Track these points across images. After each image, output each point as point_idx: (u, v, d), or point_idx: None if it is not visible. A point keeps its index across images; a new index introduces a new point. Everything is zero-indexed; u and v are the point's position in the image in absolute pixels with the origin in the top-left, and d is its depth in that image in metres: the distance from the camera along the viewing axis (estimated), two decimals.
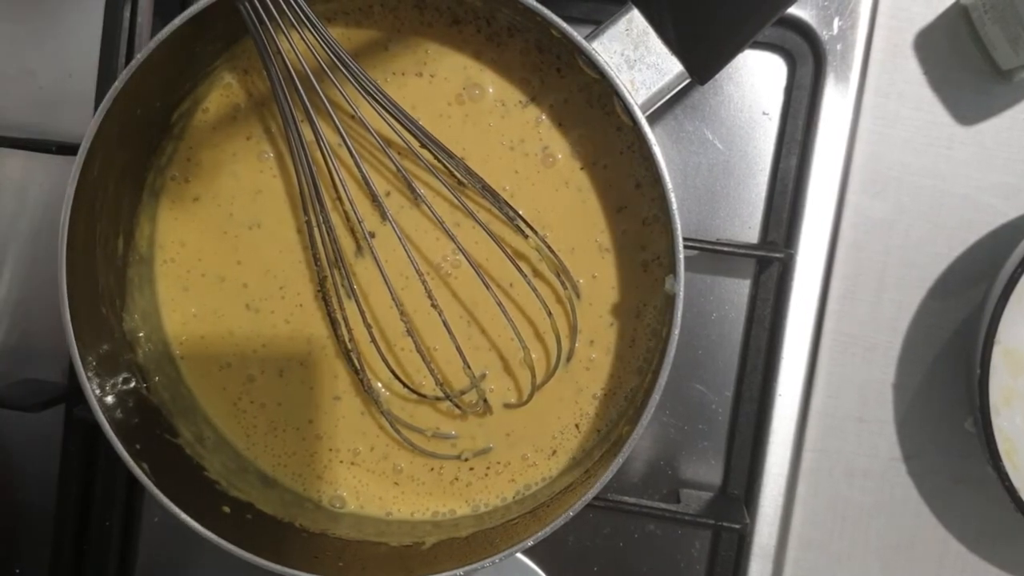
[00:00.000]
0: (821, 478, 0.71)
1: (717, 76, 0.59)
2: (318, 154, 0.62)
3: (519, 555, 0.71)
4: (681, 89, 0.59)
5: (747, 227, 0.70)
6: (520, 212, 0.63)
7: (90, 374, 0.59)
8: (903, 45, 0.68)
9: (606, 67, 0.57)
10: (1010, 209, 0.69)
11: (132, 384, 0.64)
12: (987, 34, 0.66)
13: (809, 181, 0.68)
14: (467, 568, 0.59)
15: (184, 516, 0.59)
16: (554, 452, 0.67)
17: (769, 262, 0.69)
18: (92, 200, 0.59)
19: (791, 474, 0.70)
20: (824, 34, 0.68)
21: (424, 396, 0.66)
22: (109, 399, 0.60)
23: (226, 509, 0.64)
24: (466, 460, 0.67)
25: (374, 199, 0.64)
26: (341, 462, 0.68)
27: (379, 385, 0.67)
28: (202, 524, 0.59)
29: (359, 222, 0.64)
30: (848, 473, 0.71)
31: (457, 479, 0.68)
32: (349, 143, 0.60)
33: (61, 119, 0.74)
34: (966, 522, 0.71)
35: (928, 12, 0.68)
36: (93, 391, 0.59)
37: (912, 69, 0.69)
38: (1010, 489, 0.62)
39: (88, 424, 0.70)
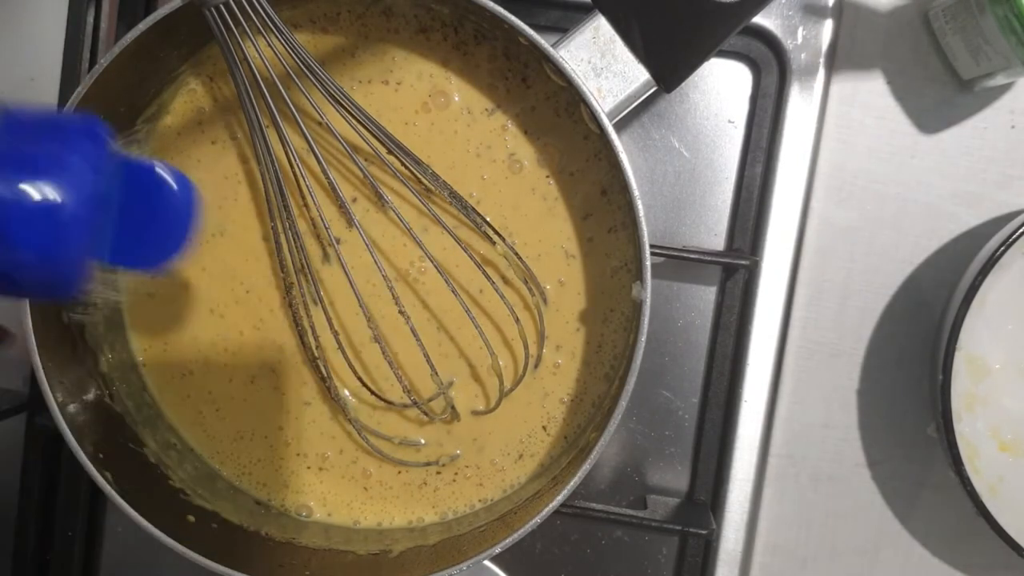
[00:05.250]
0: (787, 484, 0.72)
1: (683, 84, 0.59)
2: (284, 160, 0.62)
3: (487, 562, 0.71)
4: (648, 97, 0.59)
5: (713, 234, 0.71)
6: (487, 219, 0.63)
7: (52, 382, 0.58)
8: (866, 55, 0.69)
9: (573, 75, 0.57)
10: (972, 217, 0.70)
11: (95, 392, 0.64)
12: (948, 44, 0.67)
13: (774, 189, 0.68)
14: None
15: (148, 526, 0.58)
16: (520, 456, 0.67)
17: (735, 269, 0.69)
18: None
19: (757, 480, 0.71)
20: (789, 43, 0.68)
21: (391, 403, 0.66)
22: (71, 408, 0.60)
23: (191, 518, 0.63)
24: (435, 466, 0.67)
25: (341, 205, 0.64)
26: (309, 468, 0.68)
27: (346, 392, 0.67)
28: (167, 534, 0.58)
29: (326, 228, 0.64)
30: (813, 478, 0.72)
31: (425, 484, 0.68)
32: (316, 149, 0.60)
33: None
34: (929, 526, 0.72)
35: (891, 23, 0.69)
36: (55, 399, 0.58)
37: (875, 79, 0.69)
38: (972, 493, 0.62)
39: (50, 433, 0.69)
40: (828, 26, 0.68)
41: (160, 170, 0.47)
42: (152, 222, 0.46)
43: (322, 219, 0.63)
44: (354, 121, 0.59)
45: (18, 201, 0.38)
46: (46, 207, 0.39)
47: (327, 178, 0.62)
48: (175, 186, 0.47)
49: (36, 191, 0.39)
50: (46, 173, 0.39)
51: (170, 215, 0.46)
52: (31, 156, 0.39)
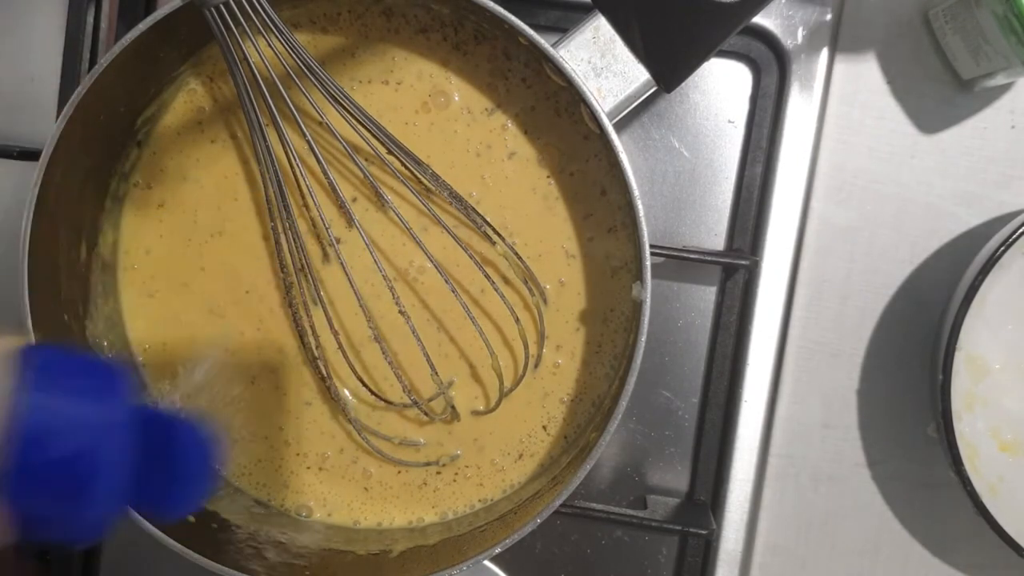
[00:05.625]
0: (787, 484, 0.72)
1: (683, 84, 0.59)
2: (284, 160, 0.62)
3: (487, 562, 0.71)
4: (648, 97, 0.59)
5: (713, 234, 0.71)
6: (487, 219, 0.63)
7: None
8: (866, 55, 0.69)
9: (573, 75, 0.57)
10: (971, 217, 0.70)
11: None
12: (948, 44, 0.67)
13: (774, 189, 0.68)
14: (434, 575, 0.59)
15: (149, 526, 0.58)
16: (520, 456, 0.67)
17: (735, 269, 0.69)
18: (54, 206, 0.59)
19: (757, 480, 0.71)
20: (788, 43, 0.68)
21: (391, 403, 0.66)
22: None
23: (191, 518, 0.63)
24: (435, 467, 0.67)
25: (341, 205, 0.64)
26: (308, 468, 0.68)
27: (346, 392, 0.67)
28: (166, 534, 0.58)
29: (326, 228, 0.64)
30: (813, 479, 0.72)
31: (426, 484, 0.68)
32: (316, 149, 0.60)
33: (23, 124, 0.73)
34: (930, 526, 0.72)
35: (891, 22, 0.69)
36: None
37: (875, 79, 0.69)
38: (972, 494, 0.62)
39: None
40: (828, 26, 0.68)
41: (182, 419, 0.48)
42: (173, 471, 0.46)
43: (322, 219, 0.63)
44: (354, 121, 0.59)
45: (49, 453, 0.39)
46: (75, 458, 0.39)
47: (327, 178, 0.62)
48: (197, 435, 0.47)
49: (67, 443, 0.39)
50: (75, 424, 0.39)
51: (191, 464, 0.47)
52: (61, 405, 0.40)
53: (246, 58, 0.56)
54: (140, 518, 0.58)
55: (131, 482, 0.41)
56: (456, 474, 0.67)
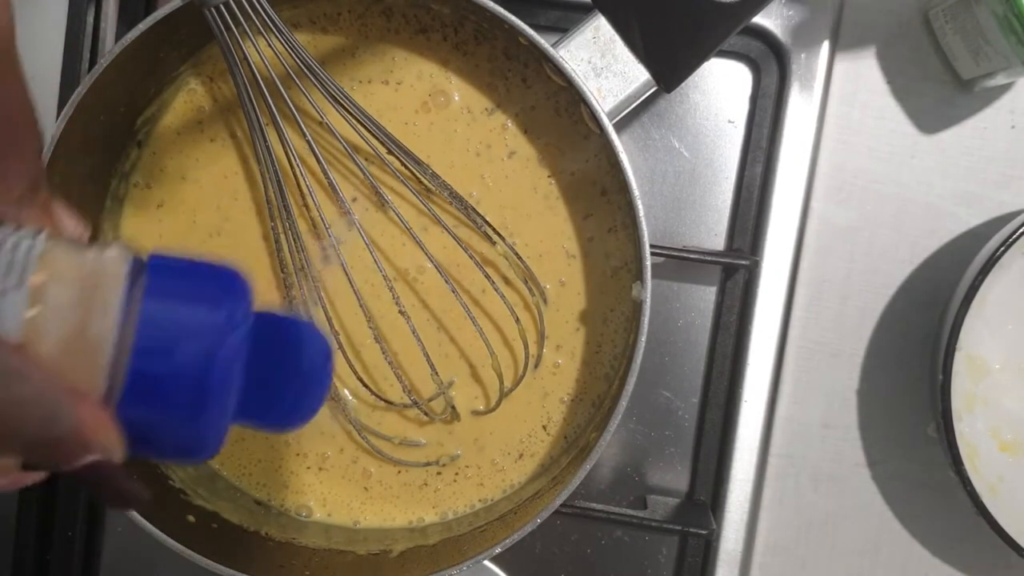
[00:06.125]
0: (787, 484, 0.72)
1: (683, 84, 0.59)
2: (284, 160, 0.62)
3: (487, 562, 0.71)
4: (648, 97, 0.59)
5: (713, 234, 0.71)
6: (487, 219, 0.63)
7: None
8: (866, 55, 0.69)
9: (573, 75, 0.57)
10: (971, 217, 0.69)
11: None
12: (948, 44, 0.67)
13: (774, 189, 0.68)
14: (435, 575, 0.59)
15: (148, 526, 0.58)
16: (521, 456, 0.67)
17: (735, 269, 0.69)
18: None
19: (757, 480, 0.71)
20: (788, 43, 0.68)
21: (391, 403, 0.66)
22: None
23: (191, 518, 0.63)
24: (435, 467, 0.67)
25: (341, 205, 0.64)
26: (308, 468, 0.68)
27: (346, 392, 0.67)
28: (167, 534, 0.58)
29: (326, 228, 0.64)
30: (813, 479, 0.72)
31: (426, 484, 0.68)
32: (316, 149, 0.60)
33: None
34: (930, 526, 0.72)
35: (891, 22, 0.69)
36: None
37: (875, 78, 0.69)
38: (972, 494, 0.62)
39: None
40: (828, 26, 0.68)
41: (297, 327, 0.44)
42: (286, 380, 0.43)
43: (322, 219, 0.63)
44: (354, 121, 0.59)
45: (165, 365, 0.37)
46: (191, 370, 0.37)
47: (327, 178, 0.62)
48: (310, 343, 0.44)
49: (183, 355, 0.37)
50: (192, 335, 0.37)
51: (304, 373, 0.44)
52: (176, 316, 0.38)
53: (246, 58, 0.57)
54: (140, 518, 0.58)
55: (248, 392, 0.40)
56: (456, 474, 0.67)
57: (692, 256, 0.67)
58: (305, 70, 0.57)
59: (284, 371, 0.42)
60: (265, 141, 0.60)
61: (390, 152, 0.61)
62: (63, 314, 0.35)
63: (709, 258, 0.68)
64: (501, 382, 0.65)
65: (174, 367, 0.37)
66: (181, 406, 0.37)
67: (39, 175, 0.40)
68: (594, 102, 0.57)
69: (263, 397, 0.41)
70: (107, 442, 0.36)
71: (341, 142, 0.60)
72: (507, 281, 0.65)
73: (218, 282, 0.40)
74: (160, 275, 0.38)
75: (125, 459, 0.37)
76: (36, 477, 0.39)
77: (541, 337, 0.65)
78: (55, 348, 0.34)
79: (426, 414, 0.66)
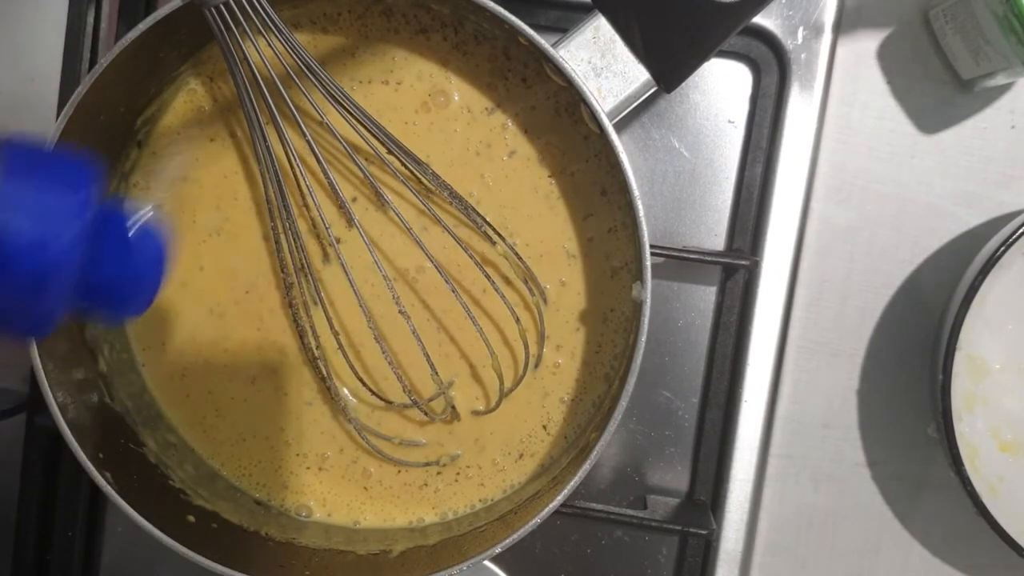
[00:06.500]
0: (787, 484, 0.72)
1: (683, 84, 0.59)
2: (284, 160, 0.62)
3: (487, 562, 0.71)
4: (648, 97, 0.59)
5: (713, 234, 0.71)
6: (487, 219, 0.63)
7: (52, 382, 0.58)
8: (866, 55, 0.69)
9: (573, 75, 0.57)
10: (971, 217, 0.70)
11: (95, 392, 0.64)
12: (948, 44, 0.67)
13: (774, 189, 0.68)
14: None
15: (148, 526, 0.58)
16: (521, 456, 0.67)
17: (735, 269, 0.69)
18: None
19: (757, 480, 0.71)
20: (788, 43, 0.68)
21: (392, 403, 0.66)
22: (71, 408, 0.60)
23: (191, 518, 0.63)
24: (435, 467, 0.67)
25: (341, 205, 0.64)
26: (308, 468, 0.68)
27: (346, 392, 0.67)
28: (167, 534, 0.58)
29: (326, 228, 0.64)
30: (813, 479, 0.72)
31: (426, 484, 0.68)
32: (316, 149, 0.60)
33: (23, 124, 0.73)
34: (929, 526, 0.72)
35: (891, 22, 0.69)
36: (55, 400, 0.58)
37: (875, 79, 0.69)
38: (972, 494, 0.62)
39: (50, 433, 0.69)
40: (828, 26, 0.68)
41: (136, 219, 0.48)
42: (123, 271, 0.46)
43: (322, 219, 0.63)
44: (354, 121, 0.59)
45: (8, 242, 0.39)
46: (32, 247, 0.40)
47: (327, 178, 0.62)
48: (149, 236, 0.47)
49: (25, 231, 0.39)
50: (36, 214, 0.40)
51: (141, 265, 0.47)
52: (23, 196, 0.40)
53: (246, 58, 0.56)
54: (140, 518, 0.58)
55: (86, 277, 0.42)
56: (457, 474, 0.67)
57: (692, 256, 0.67)
58: (305, 70, 0.57)
59: (120, 261, 0.46)
60: (265, 141, 0.60)
61: (390, 152, 0.61)
62: None
63: (709, 258, 0.68)
64: (501, 382, 0.65)
65: (15, 246, 0.39)
66: (20, 284, 0.40)
67: None
68: (594, 102, 0.57)
69: (99, 284, 0.44)
70: None
71: (341, 142, 0.60)
72: (507, 281, 0.65)
73: (67, 170, 0.43)
74: (14, 159, 0.40)
75: None
76: None
77: (541, 337, 0.65)
78: None
79: (426, 414, 0.66)
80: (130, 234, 0.47)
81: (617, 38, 0.58)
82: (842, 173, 0.70)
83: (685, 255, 0.66)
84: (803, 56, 0.68)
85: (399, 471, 0.67)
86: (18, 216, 0.39)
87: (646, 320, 0.58)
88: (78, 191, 0.42)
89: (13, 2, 0.72)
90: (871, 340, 0.71)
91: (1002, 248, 0.61)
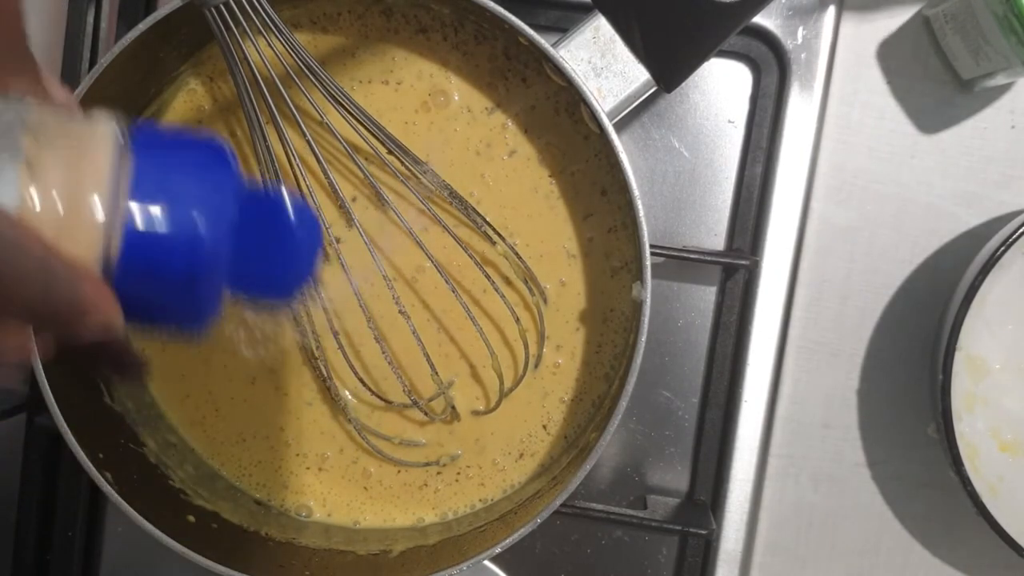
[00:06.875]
0: (787, 484, 0.72)
1: (683, 84, 0.59)
2: (284, 160, 0.62)
3: (487, 562, 0.71)
4: (648, 97, 0.59)
5: (713, 234, 0.71)
6: (487, 219, 0.63)
7: (52, 382, 0.58)
8: (866, 55, 0.69)
9: (573, 74, 0.57)
10: (971, 217, 0.70)
11: (95, 393, 0.64)
12: (948, 44, 0.67)
13: (774, 189, 0.68)
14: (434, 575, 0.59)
15: (149, 526, 0.58)
16: (521, 455, 0.67)
17: (735, 269, 0.69)
18: None
19: (757, 480, 0.71)
20: (788, 43, 0.68)
21: (392, 403, 0.66)
22: (71, 408, 0.60)
23: (191, 518, 0.63)
24: (435, 467, 0.67)
25: (341, 205, 0.64)
26: (308, 468, 0.68)
27: (346, 392, 0.67)
28: (167, 534, 0.58)
29: (326, 228, 0.64)
30: (813, 479, 0.72)
31: (426, 484, 0.68)
32: (316, 149, 0.60)
33: None
34: (930, 526, 0.72)
35: (891, 22, 0.69)
36: (55, 400, 0.58)
37: (875, 78, 0.69)
38: (972, 494, 0.62)
39: (50, 433, 0.69)
40: (828, 26, 0.68)
41: (283, 201, 0.45)
42: (277, 252, 0.44)
43: (322, 219, 0.63)
44: (354, 121, 0.59)
45: (158, 233, 0.37)
46: (185, 237, 0.37)
47: (327, 178, 0.62)
48: (299, 216, 0.44)
49: (176, 222, 0.37)
50: (184, 202, 0.37)
51: (294, 245, 0.44)
52: (168, 183, 0.38)
53: (246, 58, 0.57)
54: (140, 518, 0.58)
55: (238, 262, 0.40)
56: (457, 474, 0.67)
57: (692, 256, 0.67)
58: (305, 70, 0.57)
59: (272, 242, 0.43)
60: (265, 141, 0.60)
61: (390, 152, 0.61)
62: (56, 182, 0.34)
63: (709, 258, 0.68)
64: (501, 382, 0.65)
65: (166, 236, 0.37)
66: (175, 275, 0.38)
67: (23, 42, 0.39)
68: (594, 102, 0.57)
69: (253, 267, 0.42)
70: (106, 313, 0.36)
71: (341, 142, 0.60)
72: (507, 281, 0.65)
73: (204, 152, 0.40)
74: (148, 145, 0.38)
75: (124, 329, 0.37)
76: (45, 349, 0.39)
77: (541, 337, 0.65)
78: (50, 218, 0.34)
79: (426, 414, 0.66)
80: (279, 212, 0.44)
81: (617, 38, 0.58)
82: (842, 173, 0.70)
83: (685, 255, 0.66)
84: (803, 56, 0.68)
85: (399, 471, 0.67)
86: (162, 209, 0.37)
87: (646, 320, 0.58)
88: (215, 172, 0.39)
89: None
90: (871, 340, 0.71)
91: (1002, 248, 0.61)
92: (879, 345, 0.71)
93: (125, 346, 0.39)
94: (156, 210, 0.36)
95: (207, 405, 0.67)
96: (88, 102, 0.57)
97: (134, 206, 0.36)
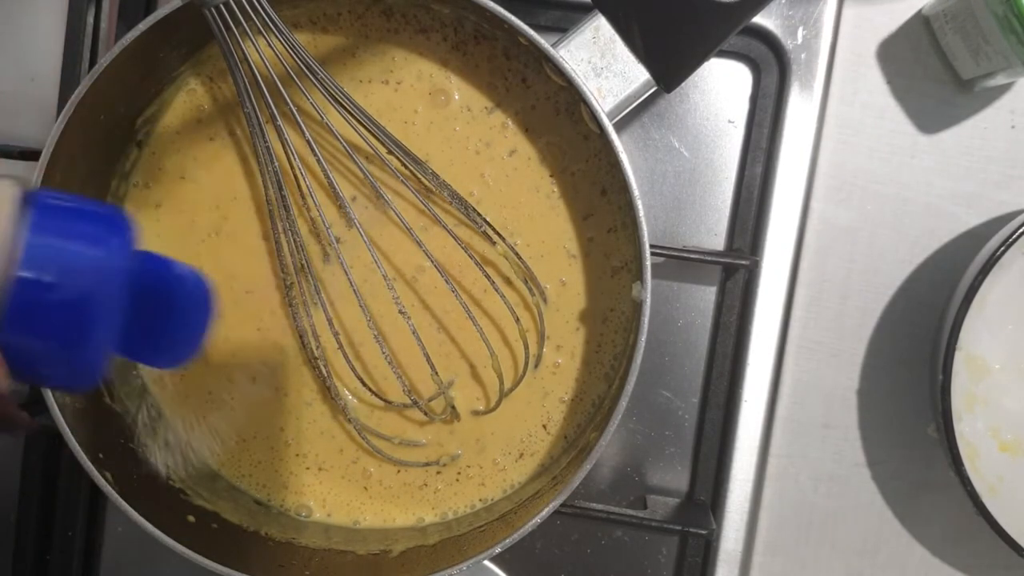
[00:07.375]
0: (787, 484, 0.72)
1: (683, 84, 0.59)
2: (284, 160, 0.62)
3: (487, 562, 0.71)
4: (648, 97, 0.59)
5: (713, 234, 0.71)
6: (487, 218, 0.63)
7: None
8: (866, 55, 0.69)
9: (573, 74, 0.57)
10: (971, 217, 0.70)
11: (95, 393, 0.63)
12: (948, 44, 0.67)
13: (774, 189, 0.68)
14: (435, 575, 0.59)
15: (148, 526, 0.58)
16: (521, 455, 0.67)
17: (735, 269, 0.69)
18: None
19: (757, 480, 0.71)
20: (788, 43, 0.68)
21: (392, 403, 0.66)
22: (71, 408, 0.60)
23: (191, 518, 0.63)
24: (435, 466, 0.67)
25: (341, 205, 0.64)
26: (308, 468, 0.68)
27: (346, 392, 0.67)
28: (167, 534, 0.58)
29: (326, 228, 0.64)
30: (813, 479, 0.72)
31: (426, 484, 0.68)
32: (316, 149, 0.60)
33: (23, 124, 0.73)
34: (929, 526, 0.72)
35: (890, 22, 0.69)
36: (55, 399, 0.58)
37: (875, 79, 0.69)
38: (972, 494, 0.62)
39: (50, 433, 0.69)
40: (828, 26, 0.68)
41: (177, 268, 0.47)
42: (168, 319, 0.46)
43: (322, 219, 0.63)
44: (354, 121, 0.59)
45: (47, 294, 0.38)
46: (73, 300, 0.39)
47: (327, 178, 0.62)
48: (191, 284, 0.47)
49: (66, 285, 0.39)
50: (75, 267, 0.39)
51: (186, 313, 0.47)
52: (61, 248, 0.39)
53: (246, 58, 0.56)
54: (140, 518, 0.58)
55: (127, 328, 0.42)
56: (458, 474, 0.67)
57: (692, 256, 0.67)
58: (305, 70, 0.57)
59: (163, 310, 0.45)
60: (265, 141, 0.60)
61: (390, 152, 0.61)
62: None
63: (709, 258, 0.68)
64: (501, 382, 0.65)
65: (55, 299, 0.38)
66: (61, 336, 0.39)
67: None
68: (594, 102, 0.57)
69: (142, 333, 0.44)
70: None
71: (341, 142, 0.60)
72: (507, 281, 0.65)
73: (101, 220, 0.42)
74: (46, 210, 0.39)
75: (9, 386, 0.39)
76: None
77: (541, 337, 0.65)
78: None
79: (426, 414, 0.66)
80: (171, 282, 0.46)
81: (617, 38, 0.58)
82: (842, 173, 0.70)
83: (685, 255, 0.66)
84: (803, 56, 0.68)
85: (399, 471, 0.67)
86: (53, 271, 0.38)
87: (646, 320, 0.58)
88: (109, 240, 0.41)
89: (13, 2, 0.72)
90: (871, 340, 0.71)
91: (1002, 248, 0.61)
92: (879, 345, 0.71)
93: (11, 403, 0.40)
94: (45, 275, 0.38)
95: (207, 405, 0.67)
96: (88, 102, 0.57)
97: (25, 269, 0.37)
